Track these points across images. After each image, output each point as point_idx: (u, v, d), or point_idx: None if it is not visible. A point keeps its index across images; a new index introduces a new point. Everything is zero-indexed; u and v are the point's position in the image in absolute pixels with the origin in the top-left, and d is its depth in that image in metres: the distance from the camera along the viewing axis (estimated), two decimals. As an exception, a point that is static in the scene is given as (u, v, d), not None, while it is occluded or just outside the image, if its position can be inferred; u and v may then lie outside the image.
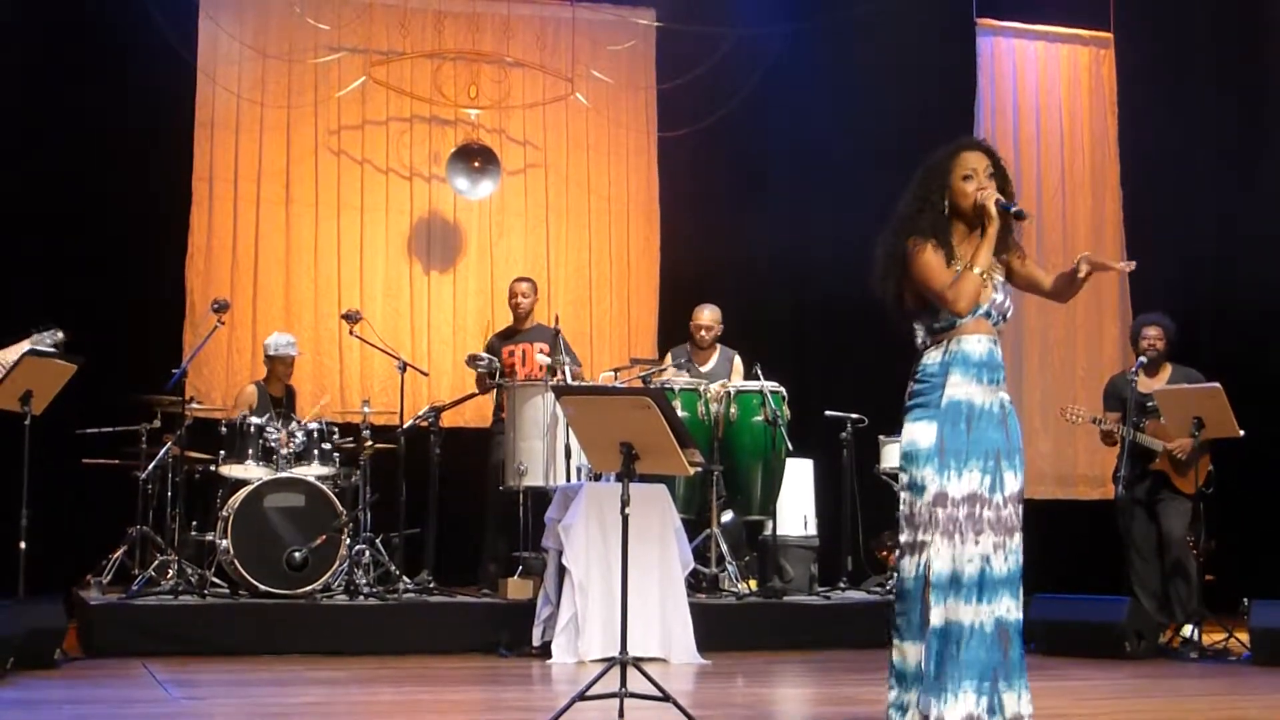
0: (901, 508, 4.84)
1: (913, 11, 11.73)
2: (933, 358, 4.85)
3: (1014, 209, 4.79)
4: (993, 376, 4.83)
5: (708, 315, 9.65)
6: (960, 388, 4.79)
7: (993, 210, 4.78)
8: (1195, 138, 12.50)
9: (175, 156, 10.70)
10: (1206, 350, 11.15)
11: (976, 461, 4.75)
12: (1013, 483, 4.79)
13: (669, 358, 9.74)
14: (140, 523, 9.05)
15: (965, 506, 4.72)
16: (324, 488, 8.66)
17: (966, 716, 4.65)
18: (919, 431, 4.80)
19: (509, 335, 9.70)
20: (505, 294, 10.78)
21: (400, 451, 9.04)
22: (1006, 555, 4.74)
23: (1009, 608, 4.73)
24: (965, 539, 4.71)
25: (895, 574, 4.89)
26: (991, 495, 4.75)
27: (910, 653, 4.77)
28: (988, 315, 4.85)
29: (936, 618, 4.69)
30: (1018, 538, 4.78)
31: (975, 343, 4.82)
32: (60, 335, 7.70)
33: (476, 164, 11.08)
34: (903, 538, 4.81)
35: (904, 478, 4.84)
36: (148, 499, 9.12)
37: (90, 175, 10.29)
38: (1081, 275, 4.87)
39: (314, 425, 8.99)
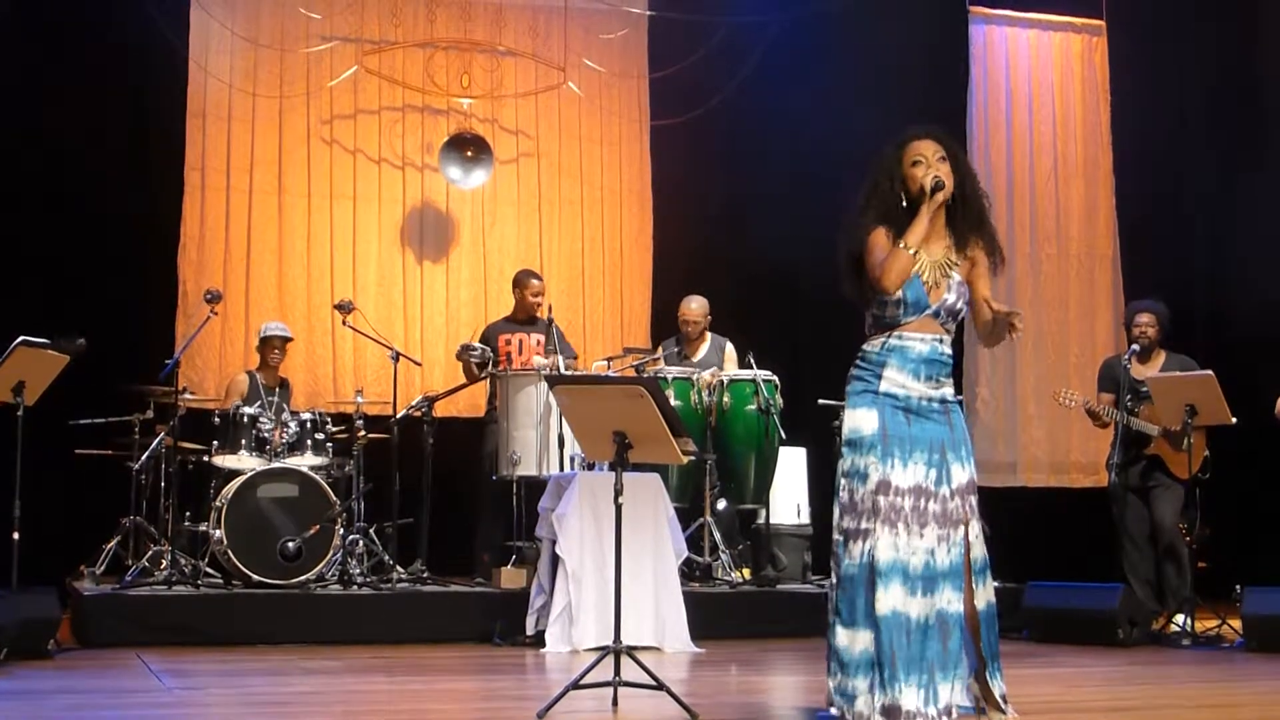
0: (841, 495, 4.82)
1: (906, 0, 11.74)
2: (872, 345, 4.89)
3: (936, 183, 4.78)
4: (932, 372, 4.83)
5: (694, 307, 9.63)
6: (895, 381, 4.80)
7: (926, 186, 4.79)
8: (1188, 124, 12.52)
9: (167, 146, 10.69)
10: (1200, 336, 11.17)
11: (921, 454, 4.75)
12: (961, 474, 4.79)
13: (660, 348, 9.73)
14: (134, 513, 9.07)
15: (910, 498, 4.72)
16: (317, 478, 8.67)
17: (914, 709, 4.65)
18: (861, 418, 4.81)
19: (507, 325, 9.69)
20: (498, 283, 10.83)
21: (393, 441, 9.03)
22: (950, 548, 4.74)
23: (949, 599, 4.73)
24: (910, 531, 4.71)
25: (834, 560, 4.85)
26: (937, 489, 4.75)
27: (857, 639, 4.73)
28: (935, 315, 4.85)
29: (883, 605, 4.68)
30: (963, 530, 4.76)
31: (918, 340, 4.83)
32: (81, 342, 7.70)
33: (469, 153, 11.07)
34: (846, 524, 4.79)
35: (844, 464, 4.83)
36: (141, 489, 9.13)
37: (82, 166, 10.27)
38: (997, 321, 4.91)
39: (307, 415, 9.00)
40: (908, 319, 4.82)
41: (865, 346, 4.90)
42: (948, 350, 4.89)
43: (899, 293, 4.79)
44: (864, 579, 4.73)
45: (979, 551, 4.81)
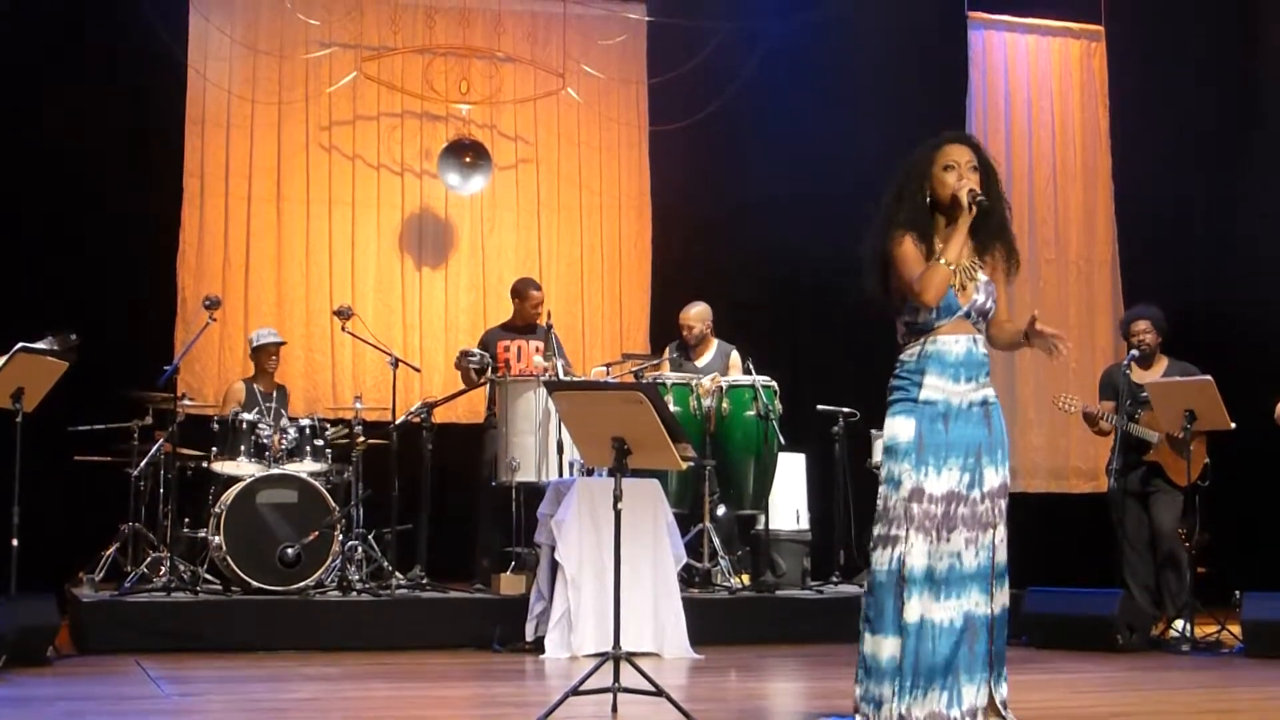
0: (878, 501, 4.85)
1: (904, 5, 11.74)
2: (910, 354, 4.87)
3: (978, 199, 4.78)
4: (971, 374, 4.84)
5: (692, 314, 9.62)
6: (935, 388, 4.80)
7: (964, 200, 4.78)
8: (1187, 129, 12.50)
9: (166, 153, 10.68)
10: (1199, 342, 11.15)
11: (956, 459, 4.76)
12: (993, 478, 4.80)
13: (666, 352, 9.74)
14: (132, 519, 9.06)
15: (943, 505, 4.74)
16: (316, 484, 8.67)
17: (930, 714, 4.67)
18: (899, 426, 4.81)
19: (506, 331, 9.69)
20: (497, 289, 10.83)
21: (392, 447, 9.03)
22: (978, 550, 4.75)
23: (977, 601, 4.75)
24: (941, 537, 4.72)
25: (868, 566, 4.89)
26: (969, 492, 4.76)
27: (884, 646, 4.77)
28: (967, 316, 4.85)
29: (911, 614, 4.70)
30: (992, 533, 4.78)
31: (953, 343, 4.83)
32: (74, 338, 7.69)
33: (468, 159, 11.08)
34: (877, 530, 4.82)
35: (882, 472, 4.87)
36: (140, 496, 9.13)
37: (80, 172, 10.26)
38: (1029, 341, 4.91)
39: (306, 421, 9.00)
40: (940, 322, 4.82)
41: (902, 356, 4.90)
42: (984, 350, 4.90)
43: None
44: (892, 586, 4.75)
45: (1001, 556, 4.82)
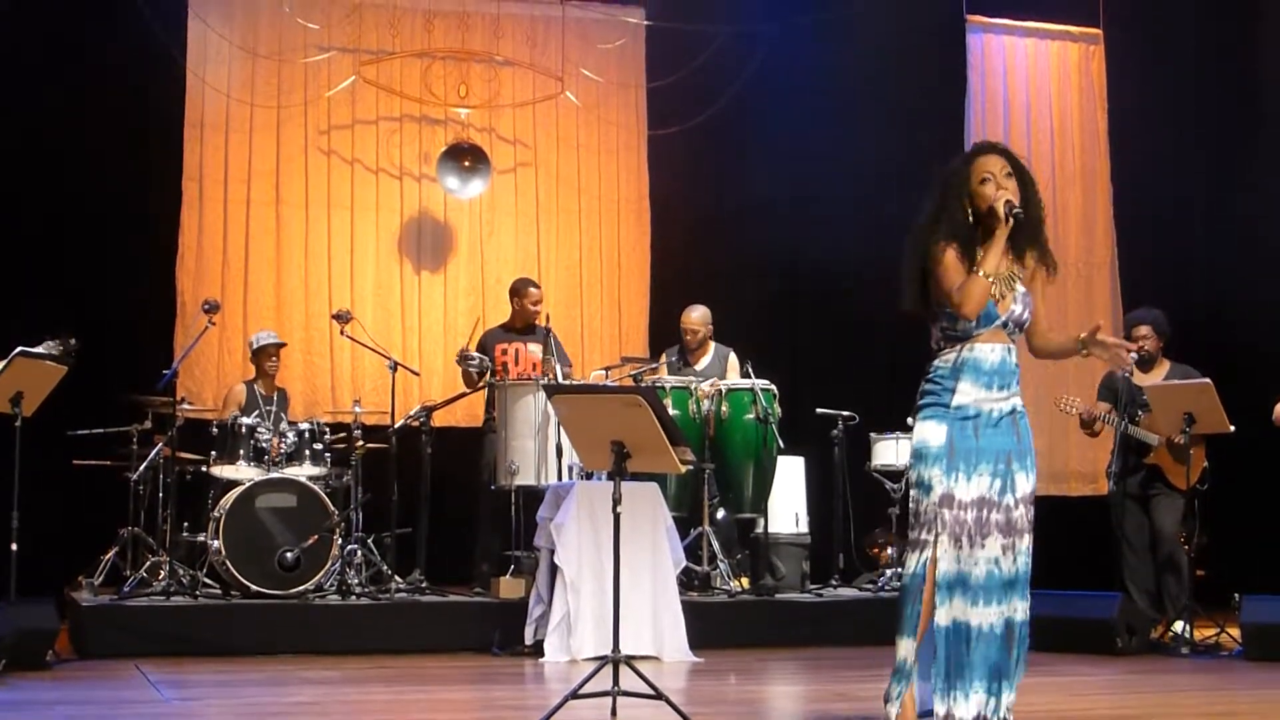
0: (910, 505, 4.89)
1: (903, 9, 11.74)
2: (945, 360, 4.87)
3: (1015, 210, 4.78)
4: (1004, 382, 4.85)
5: (695, 317, 9.61)
6: (969, 394, 4.81)
7: (1001, 212, 4.78)
8: (1186, 132, 12.52)
9: (165, 157, 10.68)
10: (1198, 344, 11.16)
11: (986, 465, 4.78)
12: (1024, 484, 4.82)
13: (663, 357, 9.74)
14: (132, 524, 9.07)
15: (974, 510, 4.75)
16: (315, 488, 8.66)
17: (976, 716, 4.71)
18: (929, 431, 4.82)
19: (504, 333, 9.69)
20: (496, 292, 10.82)
21: (392, 451, 9.03)
22: (1015, 556, 4.78)
23: (1018, 608, 4.79)
24: (973, 543, 4.74)
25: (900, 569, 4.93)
26: (1001, 498, 4.77)
27: (900, 646, 4.81)
28: (1004, 326, 4.86)
29: (943, 618, 4.73)
30: (1028, 539, 4.81)
31: (989, 351, 4.84)
32: (74, 342, 7.69)
33: (467, 163, 11.08)
34: (910, 535, 4.85)
35: (912, 475, 4.89)
36: (139, 500, 9.13)
37: (79, 175, 10.27)
38: (1083, 353, 4.92)
39: (305, 425, 9.00)
40: (979, 331, 4.84)
41: (937, 362, 4.90)
42: (1015, 359, 4.91)
43: None
44: (916, 589, 4.79)
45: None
